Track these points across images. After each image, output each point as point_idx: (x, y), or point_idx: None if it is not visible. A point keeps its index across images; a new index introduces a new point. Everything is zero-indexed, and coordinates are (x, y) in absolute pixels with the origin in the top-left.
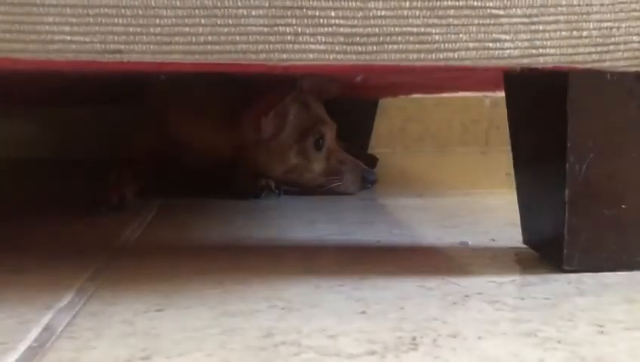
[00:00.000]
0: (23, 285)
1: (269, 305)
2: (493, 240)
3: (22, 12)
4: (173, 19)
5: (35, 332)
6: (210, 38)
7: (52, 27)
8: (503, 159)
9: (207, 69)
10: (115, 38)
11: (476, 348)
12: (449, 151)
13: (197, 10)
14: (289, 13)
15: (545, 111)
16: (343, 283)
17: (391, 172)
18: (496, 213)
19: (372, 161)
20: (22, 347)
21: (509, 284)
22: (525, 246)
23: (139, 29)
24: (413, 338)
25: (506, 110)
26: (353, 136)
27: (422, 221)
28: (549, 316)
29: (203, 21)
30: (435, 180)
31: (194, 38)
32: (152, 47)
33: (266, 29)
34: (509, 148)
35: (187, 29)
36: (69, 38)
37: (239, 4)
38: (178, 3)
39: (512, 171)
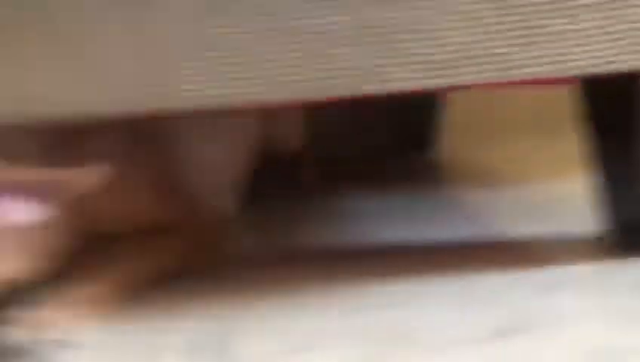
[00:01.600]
0: None
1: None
2: (571, 229)
3: None
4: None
5: None
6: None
7: None
8: (574, 148)
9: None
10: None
11: (579, 332)
12: (519, 140)
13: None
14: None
15: (619, 106)
16: (441, 280)
17: (461, 163)
18: (569, 201)
19: None
20: None
21: (592, 272)
22: (603, 234)
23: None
24: (513, 325)
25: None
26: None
27: (497, 213)
28: (636, 296)
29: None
30: (505, 170)
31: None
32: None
33: (353, 64)
34: (579, 137)
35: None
36: None
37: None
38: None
39: (583, 160)
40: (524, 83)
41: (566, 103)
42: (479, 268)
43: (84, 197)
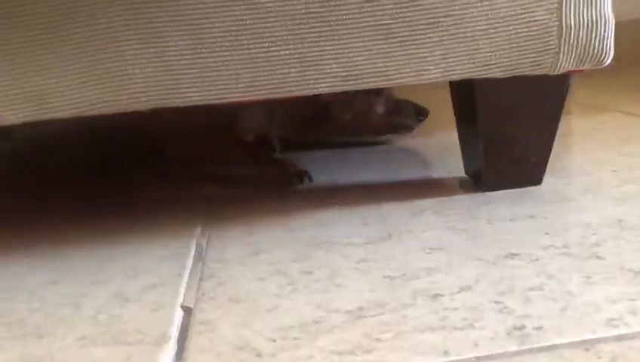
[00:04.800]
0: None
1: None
2: (450, 173)
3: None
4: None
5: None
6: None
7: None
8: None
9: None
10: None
11: (421, 239)
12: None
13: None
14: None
15: (466, 96)
16: (355, 207)
17: None
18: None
19: (423, 112)
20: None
21: (447, 200)
22: (466, 175)
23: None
24: (389, 234)
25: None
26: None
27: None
28: (465, 217)
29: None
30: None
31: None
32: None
33: (298, 78)
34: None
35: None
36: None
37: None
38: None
39: None
40: None
41: None
42: (381, 201)
43: None
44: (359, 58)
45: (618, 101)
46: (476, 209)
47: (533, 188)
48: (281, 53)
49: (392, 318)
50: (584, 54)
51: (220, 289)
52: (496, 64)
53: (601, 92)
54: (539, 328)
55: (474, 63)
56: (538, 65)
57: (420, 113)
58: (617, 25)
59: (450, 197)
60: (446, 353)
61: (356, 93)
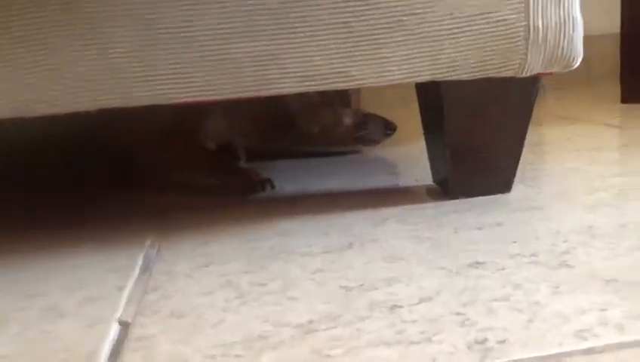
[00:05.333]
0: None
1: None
2: (417, 181)
3: None
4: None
5: (139, 262)
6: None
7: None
8: None
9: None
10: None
11: (383, 248)
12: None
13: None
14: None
15: (433, 100)
16: (317, 216)
17: None
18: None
19: (390, 126)
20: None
21: (413, 208)
22: (433, 183)
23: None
24: (350, 244)
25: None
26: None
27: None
28: (431, 225)
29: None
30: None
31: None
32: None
33: (254, 77)
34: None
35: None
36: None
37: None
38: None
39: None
40: None
41: None
42: (345, 210)
43: None
44: (318, 57)
45: (590, 112)
46: (442, 217)
47: (503, 195)
48: (235, 51)
49: (345, 332)
50: (553, 56)
51: (164, 303)
52: (461, 65)
53: (573, 104)
54: (502, 341)
55: (439, 64)
56: (505, 66)
57: (388, 127)
58: (589, 39)
59: (417, 205)
60: None
61: (324, 105)
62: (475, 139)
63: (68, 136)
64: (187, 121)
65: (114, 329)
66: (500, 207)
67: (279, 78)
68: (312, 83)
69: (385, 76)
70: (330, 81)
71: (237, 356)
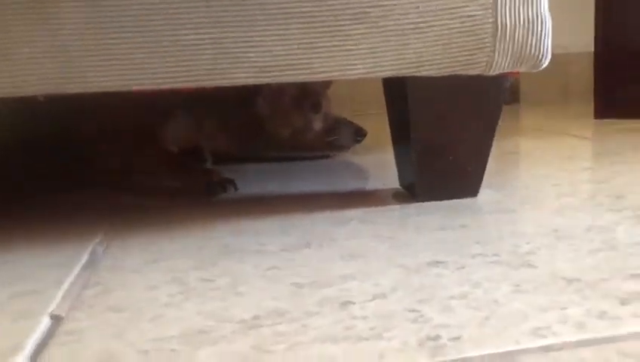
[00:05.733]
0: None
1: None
2: (384, 184)
3: None
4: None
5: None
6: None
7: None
8: None
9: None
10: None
11: (342, 246)
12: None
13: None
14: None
15: (399, 99)
16: (278, 217)
17: None
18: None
19: (361, 132)
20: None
21: (377, 210)
22: (400, 187)
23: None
24: (308, 243)
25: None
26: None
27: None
28: (393, 226)
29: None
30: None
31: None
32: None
33: (209, 66)
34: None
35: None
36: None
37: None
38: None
39: None
40: None
41: None
42: (307, 211)
43: None
44: (279, 48)
45: (565, 126)
46: (406, 218)
47: (470, 200)
48: (191, 37)
49: (291, 328)
50: (521, 54)
51: (103, 298)
52: (428, 61)
53: (549, 118)
54: (456, 338)
55: (404, 59)
56: (472, 64)
57: (358, 133)
58: (566, 56)
59: (381, 207)
60: None
61: (294, 109)
62: (442, 140)
63: (27, 136)
64: (150, 124)
65: (44, 324)
66: (465, 210)
67: (236, 68)
68: (271, 74)
69: (348, 70)
70: (290, 73)
71: (172, 350)
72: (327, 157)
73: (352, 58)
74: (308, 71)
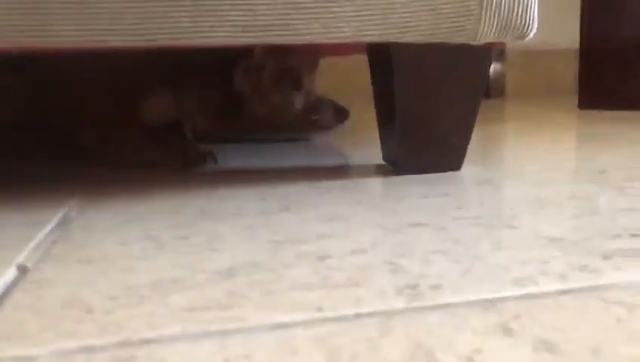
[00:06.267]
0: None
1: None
2: (367, 160)
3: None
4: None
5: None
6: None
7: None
8: None
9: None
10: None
11: (321, 211)
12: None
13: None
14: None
15: (384, 69)
16: (257, 186)
17: None
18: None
19: (343, 112)
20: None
21: (359, 181)
22: (383, 162)
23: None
24: (287, 207)
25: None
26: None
27: (321, 153)
28: (375, 194)
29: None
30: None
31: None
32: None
33: (190, 23)
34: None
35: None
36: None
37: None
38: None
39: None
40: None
41: None
42: (288, 181)
43: None
44: (263, 7)
45: (550, 116)
46: (388, 188)
47: (453, 173)
48: None
49: (266, 277)
50: (506, 24)
51: (72, 252)
52: (413, 27)
53: (535, 110)
54: (435, 287)
55: (389, 24)
56: (458, 31)
57: (341, 114)
58: (550, 52)
59: (363, 179)
60: (320, 309)
61: (275, 86)
62: (426, 111)
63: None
64: (128, 99)
65: (10, 274)
66: (448, 181)
67: (218, 27)
68: (254, 34)
69: (333, 33)
70: (274, 33)
71: (142, 296)
72: (307, 139)
73: (337, 21)
74: (292, 32)
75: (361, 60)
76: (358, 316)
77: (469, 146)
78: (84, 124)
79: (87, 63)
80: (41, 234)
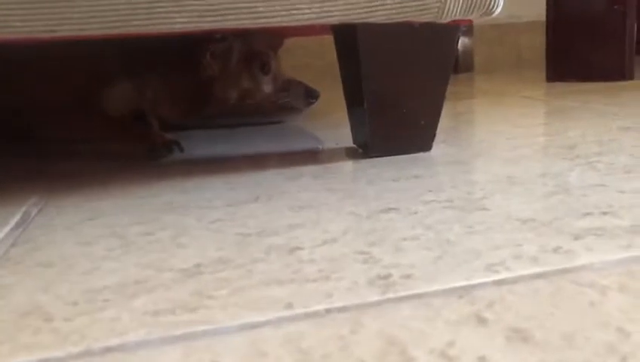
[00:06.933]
0: None
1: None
2: (337, 143)
3: None
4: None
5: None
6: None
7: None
8: None
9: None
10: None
11: (291, 199)
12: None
13: None
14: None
15: (351, 50)
16: (226, 175)
17: None
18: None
19: (313, 93)
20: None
21: (329, 166)
22: (354, 145)
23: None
24: (256, 197)
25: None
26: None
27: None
28: (346, 179)
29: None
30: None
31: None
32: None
33: (147, 9)
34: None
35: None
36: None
37: None
38: None
39: None
40: (301, 29)
41: None
42: (257, 169)
43: None
44: None
45: (519, 89)
46: (359, 172)
47: (424, 154)
48: None
49: (234, 274)
50: (472, 1)
51: (32, 255)
52: (379, 6)
53: (503, 83)
54: (407, 276)
55: (354, 4)
56: (424, 10)
57: (311, 95)
58: (517, 25)
59: (334, 163)
60: (289, 306)
61: (243, 70)
62: (394, 92)
63: None
64: (90, 90)
65: None
66: (419, 163)
67: (176, 12)
68: (213, 19)
69: (294, 15)
70: (233, 17)
71: (105, 300)
72: (278, 122)
73: (299, 2)
74: (252, 15)
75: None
76: (329, 311)
77: (438, 125)
78: (44, 117)
79: (42, 52)
80: None
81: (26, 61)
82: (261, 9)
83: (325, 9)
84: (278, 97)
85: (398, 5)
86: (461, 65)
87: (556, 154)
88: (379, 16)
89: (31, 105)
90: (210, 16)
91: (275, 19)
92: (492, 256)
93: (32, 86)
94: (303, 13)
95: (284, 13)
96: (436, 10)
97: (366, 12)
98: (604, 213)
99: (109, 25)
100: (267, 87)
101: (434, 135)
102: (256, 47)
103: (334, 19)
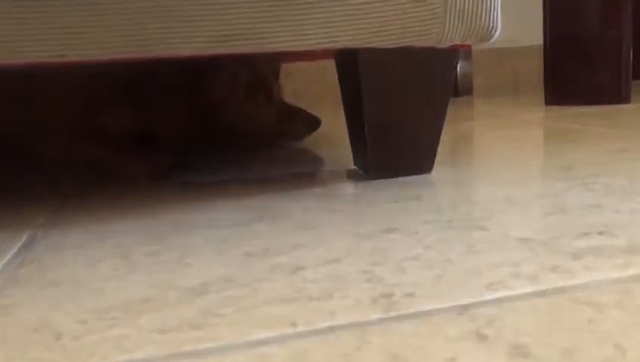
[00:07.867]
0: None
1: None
2: (338, 166)
3: None
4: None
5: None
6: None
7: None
8: None
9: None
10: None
11: (295, 220)
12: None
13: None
14: (177, 24)
15: (352, 74)
16: (231, 196)
17: None
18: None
19: (315, 120)
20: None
21: (330, 188)
22: (355, 167)
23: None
24: (260, 217)
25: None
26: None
27: (293, 160)
28: (347, 200)
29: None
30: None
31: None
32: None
33: (158, 34)
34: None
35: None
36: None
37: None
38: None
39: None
40: (304, 54)
41: None
42: (261, 191)
43: None
44: (230, 16)
45: (517, 112)
46: (360, 193)
47: (424, 176)
48: (139, 5)
49: (240, 293)
50: (471, 26)
51: (40, 275)
52: (381, 32)
53: (502, 106)
54: (409, 295)
55: (358, 30)
56: (424, 34)
57: (312, 122)
58: (515, 50)
59: (335, 185)
60: (294, 324)
61: (248, 96)
62: (395, 115)
63: None
64: (91, 111)
65: None
66: (419, 185)
67: (186, 37)
68: (222, 44)
69: (302, 40)
70: (241, 42)
71: (113, 318)
72: (280, 147)
73: (306, 27)
74: (260, 40)
75: (331, 62)
76: (332, 329)
77: (438, 147)
78: (45, 136)
79: (48, 75)
80: (5, 259)
81: (29, 83)
82: (269, 34)
83: (330, 34)
84: (280, 124)
85: (399, 31)
86: (460, 88)
87: (554, 176)
88: (381, 41)
89: (33, 127)
90: (219, 41)
91: (281, 45)
92: (492, 274)
93: (36, 105)
94: (309, 39)
95: (291, 38)
96: (435, 34)
97: (368, 37)
98: (601, 233)
99: (123, 48)
100: (271, 115)
101: (434, 157)
102: (260, 74)
103: (338, 44)
